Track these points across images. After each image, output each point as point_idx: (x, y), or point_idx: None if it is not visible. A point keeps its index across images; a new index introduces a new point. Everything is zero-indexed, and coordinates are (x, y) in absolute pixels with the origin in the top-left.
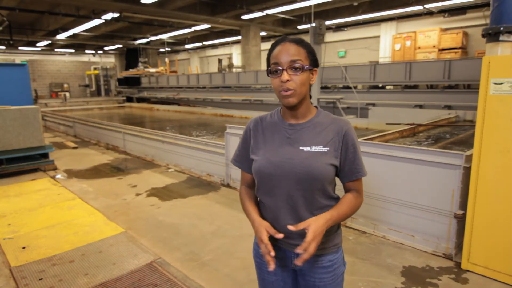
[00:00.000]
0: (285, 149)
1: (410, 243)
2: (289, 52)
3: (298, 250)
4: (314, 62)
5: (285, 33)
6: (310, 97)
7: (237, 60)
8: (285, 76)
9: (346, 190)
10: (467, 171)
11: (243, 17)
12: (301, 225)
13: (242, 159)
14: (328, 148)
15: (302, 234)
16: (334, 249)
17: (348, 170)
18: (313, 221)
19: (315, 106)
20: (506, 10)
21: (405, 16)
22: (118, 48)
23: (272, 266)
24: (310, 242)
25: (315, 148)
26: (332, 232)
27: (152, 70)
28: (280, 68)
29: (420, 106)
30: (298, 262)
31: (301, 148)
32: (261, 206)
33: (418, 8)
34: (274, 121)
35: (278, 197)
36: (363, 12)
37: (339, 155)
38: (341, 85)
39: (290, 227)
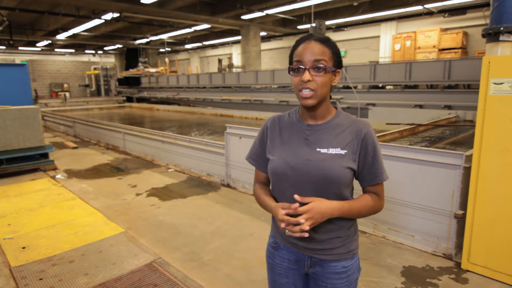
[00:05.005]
0: (302, 150)
1: (410, 243)
2: (313, 52)
3: (285, 211)
4: (338, 63)
5: (285, 33)
6: (331, 97)
7: (237, 60)
8: (306, 76)
9: (365, 193)
10: (467, 171)
11: (243, 17)
12: (306, 199)
13: (258, 157)
14: (346, 151)
15: (316, 238)
16: (349, 255)
17: (367, 174)
18: (318, 200)
19: (335, 107)
20: (506, 10)
21: (405, 16)
22: (118, 48)
23: (305, 227)
24: (301, 211)
25: (332, 151)
26: (348, 238)
27: (152, 70)
28: (302, 67)
29: (420, 106)
30: (283, 224)
31: (318, 149)
32: None
33: (418, 8)
34: (292, 121)
35: (293, 198)
36: (363, 12)
37: (358, 158)
38: (341, 85)
39: (296, 197)
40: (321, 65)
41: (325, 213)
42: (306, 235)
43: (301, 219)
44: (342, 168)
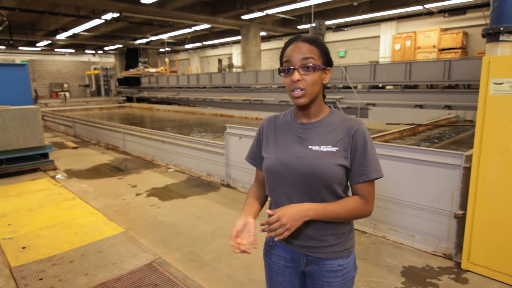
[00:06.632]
0: (294, 148)
1: (410, 243)
2: (301, 51)
3: (262, 223)
4: (327, 62)
5: (285, 33)
6: (324, 96)
7: (237, 60)
8: (296, 75)
9: (354, 195)
10: (467, 171)
11: (243, 17)
12: (276, 210)
13: (255, 156)
14: (337, 148)
15: (310, 236)
16: (344, 253)
17: (355, 171)
18: (287, 206)
19: (329, 106)
20: (506, 10)
21: (405, 16)
22: (118, 48)
23: (236, 251)
24: (272, 222)
25: (323, 148)
26: (343, 236)
27: (152, 70)
28: (292, 67)
29: (420, 106)
30: (267, 234)
31: (310, 147)
32: (271, 203)
33: (418, 8)
34: (286, 120)
35: (286, 195)
36: (363, 12)
37: (349, 156)
38: (341, 85)
39: (268, 211)
40: (310, 64)
41: (296, 217)
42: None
43: (272, 228)
44: (333, 165)
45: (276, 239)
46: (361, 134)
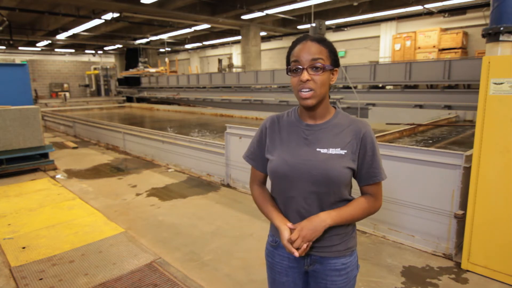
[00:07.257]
0: (302, 150)
1: (410, 243)
2: (310, 51)
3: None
4: (335, 62)
5: (285, 33)
6: (329, 97)
7: (237, 60)
8: (305, 75)
9: (362, 194)
10: (467, 171)
11: (243, 17)
12: (296, 225)
13: (256, 157)
14: (345, 151)
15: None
16: (348, 252)
17: (366, 173)
18: (305, 220)
19: (334, 107)
20: (506, 10)
21: (405, 16)
22: (118, 48)
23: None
24: (294, 240)
25: (332, 151)
26: (346, 235)
27: (152, 70)
28: (300, 67)
29: (420, 106)
30: (295, 253)
31: (318, 149)
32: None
33: (418, 8)
34: (291, 121)
35: (293, 198)
36: (363, 12)
37: (357, 158)
38: (341, 85)
39: (289, 225)
40: (319, 64)
41: (316, 227)
42: (307, 248)
43: (296, 245)
44: (342, 168)
45: (298, 254)
46: (369, 137)
